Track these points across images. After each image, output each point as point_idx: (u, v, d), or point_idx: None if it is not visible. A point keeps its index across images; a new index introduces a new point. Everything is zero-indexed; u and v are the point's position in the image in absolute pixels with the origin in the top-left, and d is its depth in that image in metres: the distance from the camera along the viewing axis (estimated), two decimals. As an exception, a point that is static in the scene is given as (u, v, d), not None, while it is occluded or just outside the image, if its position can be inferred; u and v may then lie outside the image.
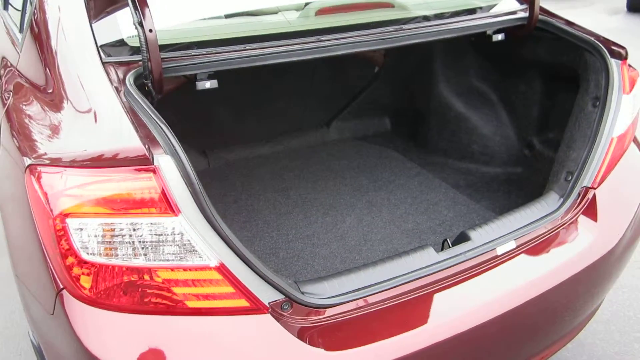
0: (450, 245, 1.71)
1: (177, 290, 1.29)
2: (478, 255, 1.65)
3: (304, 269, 2.01)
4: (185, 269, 1.29)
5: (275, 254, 2.09)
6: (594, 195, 1.89)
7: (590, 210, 1.89)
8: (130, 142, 1.28)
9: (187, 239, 1.26)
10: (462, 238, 1.70)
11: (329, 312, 1.44)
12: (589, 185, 1.88)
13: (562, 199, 1.89)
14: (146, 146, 1.27)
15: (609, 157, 1.93)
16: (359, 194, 2.50)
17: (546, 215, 1.82)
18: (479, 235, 1.70)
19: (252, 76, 2.66)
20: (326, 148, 2.93)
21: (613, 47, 2.01)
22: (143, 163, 1.24)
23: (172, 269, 1.29)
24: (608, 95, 1.93)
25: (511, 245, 1.71)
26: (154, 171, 1.24)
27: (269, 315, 1.37)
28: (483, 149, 2.66)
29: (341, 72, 2.90)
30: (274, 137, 2.94)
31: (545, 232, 1.79)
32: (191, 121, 2.65)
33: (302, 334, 1.39)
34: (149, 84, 1.51)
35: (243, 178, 2.64)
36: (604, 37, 2.07)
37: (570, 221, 1.84)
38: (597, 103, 1.96)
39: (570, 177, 1.93)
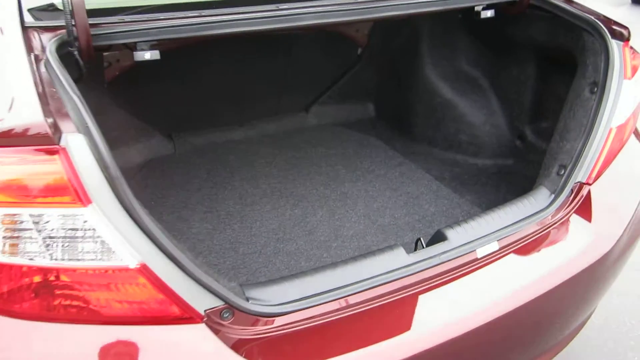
0: (424, 246, 1.51)
1: (92, 295, 1.09)
2: (455, 258, 1.45)
3: (265, 267, 1.80)
4: (100, 271, 1.08)
5: (234, 248, 1.89)
6: (589, 192, 1.69)
7: (584, 209, 1.69)
8: (33, 117, 1.07)
9: (100, 235, 1.05)
10: (438, 237, 1.50)
11: (278, 321, 1.24)
12: (584, 181, 1.68)
13: (553, 196, 1.69)
14: (51, 122, 1.05)
15: (607, 150, 1.72)
16: (334, 185, 2.29)
17: (534, 214, 1.62)
18: (457, 235, 1.50)
19: (222, 54, 2.45)
20: (303, 134, 2.72)
21: (614, 27, 1.80)
22: (45, 142, 1.03)
23: (86, 270, 1.08)
24: (607, 80, 1.73)
25: (493, 246, 1.52)
26: (59, 152, 1.03)
27: (203, 326, 1.16)
28: (471, 138, 2.45)
29: (321, 52, 2.68)
30: (247, 121, 2.72)
31: (533, 233, 1.59)
32: (154, 101, 2.43)
33: (244, 348, 1.19)
34: (76, 53, 1.29)
35: (210, 164, 2.43)
36: (604, 16, 1.86)
37: (562, 220, 1.65)
38: (595, 89, 1.76)
39: (562, 171, 1.73)
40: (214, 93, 2.56)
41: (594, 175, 1.70)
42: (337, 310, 1.30)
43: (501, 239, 1.53)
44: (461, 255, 1.46)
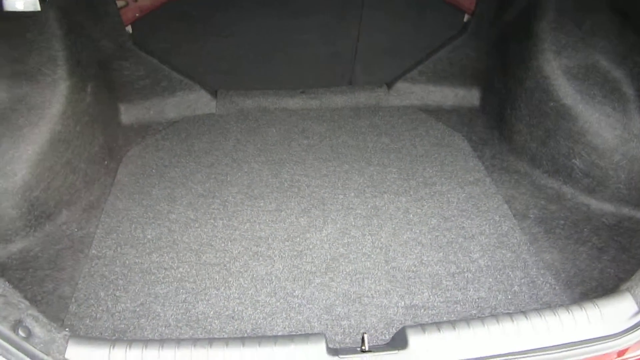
0: (367, 348, 0.97)
1: None
2: None
3: (215, 290, 1.41)
4: None
5: (199, 253, 1.52)
6: None
7: None
8: None
9: None
10: (395, 341, 0.96)
11: None
12: None
13: (638, 316, 0.99)
14: None
15: None
16: (369, 193, 1.75)
17: (591, 340, 0.96)
18: (427, 344, 0.94)
19: (278, 4, 1.99)
20: (375, 115, 2.17)
21: None
22: None
23: None
24: None
25: None
26: None
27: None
28: (590, 167, 1.68)
29: (411, 14, 2.06)
30: (310, 88, 2.25)
31: None
32: (193, 52, 2.11)
33: None
34: None
35: (242, 135, 2.04)
36: None
37: None
38: None
39: None
40: (267, 48, 2.13)
41: None
42: None
43: None
44: None
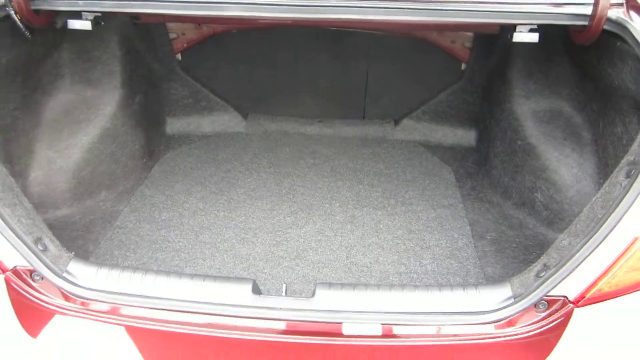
0: (285, 293, 1.26)
1: None
2: (303, 321, 1.18)
3: (202, 260, 1.74)
4: None
5: (198, 233, 1.86)
6: (569, 314, 1.16)
7: (550, 339, 1.17)
8: None
9: None
10: (307, 291, 1.24)
11: (86, 303, 1.21)
12: (570, 298, 1.16)
13: (512, 300, 1.20)
14: None
15: (624, 266, 1.13)
16: (352, 205, 2.04)
17: (467, 313, 1.19)
18: (331, 296, 1.20)
19: (296, 43, 2.38)
20: (378, 146, 2.46)
21: None
22: None
23: None
24: None
25: (373, 329, 1.17)
26: None
27: (2, 277, 1.21)
28: (549, 201, 1.88)
29: (415, 61, 2.38)
30: (328, 119, 2.59)
31: (448, 336, 1.18)
32: (230, 79, 2.52)
33: (27, 313, 1.21)
34: (12, 13, 1.40)
35: (262, 151, 2.40)
36: None
37: (505, 339, 1.17)
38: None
39: (543, 273, 1.21)
40: (292, 81, 2.51)
41: (589, 294, 1.15)
42: (137, 318, 1.20)
43: (392, 324, 1.17)
44: (317, 322, 1.18)
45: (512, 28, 1.44)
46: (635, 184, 1.10)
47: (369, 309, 1.20)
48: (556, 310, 1.17)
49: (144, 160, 2.25)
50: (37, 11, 1.43)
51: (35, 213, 1.35)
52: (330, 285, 1.24)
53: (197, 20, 2.05)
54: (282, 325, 1.18)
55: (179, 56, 2.40)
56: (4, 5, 1.39)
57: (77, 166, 1.93)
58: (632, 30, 1.27)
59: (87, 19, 1.49)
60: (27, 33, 1.46)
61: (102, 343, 1.22)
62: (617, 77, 1.49)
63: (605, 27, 1.32)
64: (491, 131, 2.17)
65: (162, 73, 2.38)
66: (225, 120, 2.59)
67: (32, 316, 1.22)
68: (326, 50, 2.41)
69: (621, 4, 1.30)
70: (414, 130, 2.54)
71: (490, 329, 1.19)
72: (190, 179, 2.19)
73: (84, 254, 1.74)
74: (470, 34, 2.16)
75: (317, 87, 2.56)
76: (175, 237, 1.85)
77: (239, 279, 1.25)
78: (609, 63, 1.50)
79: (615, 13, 1.30)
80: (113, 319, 1.20)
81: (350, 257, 1.77)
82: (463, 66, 2.34)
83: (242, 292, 1.21)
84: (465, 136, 2.48)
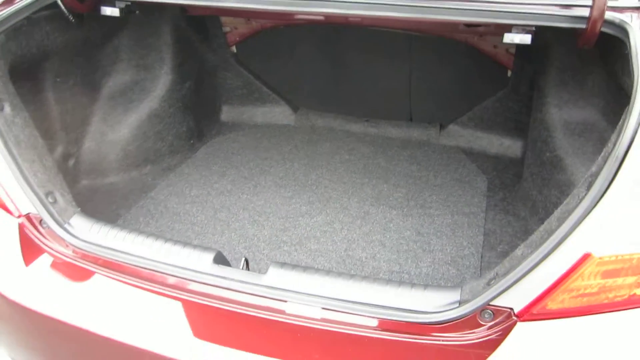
0: (246, 267, 1.34)
1: None
2: (252, 294, 1.25)
3: (212, 235, 1.87)
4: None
5: (218, 211, 2.00)
6: (510, 327, 1.12)
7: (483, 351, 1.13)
8: None
9: None
10: (262, 268, 1.32)
11: (82, 256, 1.39)
12: (516, 311, 1.12)
13: (456, 305, 1.18)
14: None
15: (574, 282, 1.07)
16: (369, 202, 2.05)
17: (403, 310, 1.19)
18: (281, 276, 1.27)
19: (345, 43, 2.44)
20: (420, 149, 2.43)
21: None
22: None
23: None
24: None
25: (313, 312, 1.22)
26: None
27: (16, 221, 1.43)
28: None
29: (461, 66, 2.33)
30: (374, 118, 2.62)
31: (386, 331, 1.20)
32: (281, 73, 2.64)
33: (35, 254, 1.42)
34: (58, 1, 1.63)
35: (303, 144, 2.48)
36: None
37: (441, 344, 1.16)
38: None
39: (493, 281, 1.17)
40: (340, 79, 2.57)
41: (535, 309, 1.10)
42: (116, 270, 1.35)
43: (332, 310, 1.21)
44: (269, 298, 1.25)
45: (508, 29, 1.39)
46: (589, 194, 1.03)
47: (314, 292, 1.24)
48: (501, 322, 1.12)
49: (191, 141, 2.45)
50: (81, 0, 1.66)
51: (55, 171, 1.56)
52: (282, 265, 1.29)
53: (208, 12, 2.18)
54: (232, 295, 1.26)
55: (233, 48, 2.57)
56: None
57: (125, 141, 2.17)
58: (630, 33, 1.17)
59: (117, 7, 1.70)
60: (70, 17, 1.70)
61: (85, 285, 1.39)
62: (629, 89, 1.37)
63: (606, 30, 1.23)
64: (526, 142, 2.06)
65: (216, 63, 2.57)
66: (276, 113, 2.71)
67: (35, 254, 1.42)
68: (371, 51, 2.44)
69: (622, 8, 1.20)
70: (459, 136, 2.48)
71: (426, 331, 1.17)
72: (227, 163, 2.34)
73: (114, 217, 1.96)
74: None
75: (364, 87, 2.59)
76: (196, 212, 2.00)
77: (206, 249, 1.35)
78: (624, 72, 1.38)
79: (616, 15, 1.21)
80: (94, 267, 1.36)
81: (348, 250, 1.80)
82: (509, 73, 2.24)
83: (203, 260, 1.31)
84: (512, 146, 2.37)
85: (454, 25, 1.76)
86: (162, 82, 2.24)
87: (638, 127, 1.01)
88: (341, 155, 2.40)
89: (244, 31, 2.45)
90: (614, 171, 1.01)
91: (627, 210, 1.02)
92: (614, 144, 1.05)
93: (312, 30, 2.43)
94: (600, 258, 1.02)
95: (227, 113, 2.73)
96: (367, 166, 2.32)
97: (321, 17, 1.96)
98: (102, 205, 2.00)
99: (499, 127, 2.37)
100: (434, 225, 1.93)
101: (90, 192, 2.06)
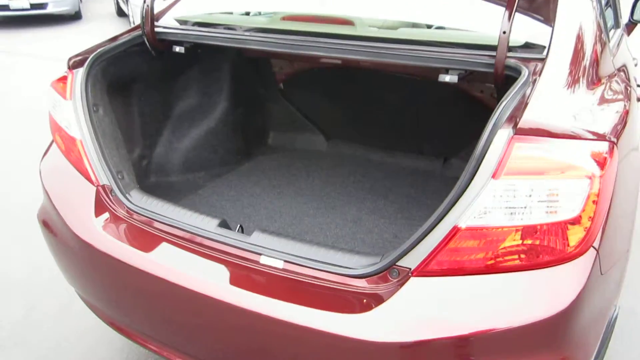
0: (242, 231, 1.85)
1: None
2: (241, 249, 1.74)
3: (236, 213, 2.43)
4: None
5: (239, 197, 2.56)
6: (406, 279, 1.54)
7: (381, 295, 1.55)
8: None
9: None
10: (248, 231, 1.83)
11: (134, 216, 1.97)
12: (412, 268, 1.54)
13: (374, 265, 1.61)
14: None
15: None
16: (363, 212, 2.51)
17: (336, 265, 1.64)
18: (260, 238, 1.76)
19: (361, 82, 2.95)
20: (426, 179, 2.86)
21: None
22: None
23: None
24: None
25: (277, 263, 1.71)
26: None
27: (94, 189, 2.06)
28: None
29: (459, 107, 2.75)
30: (391, 149, 3.09)
31: (313, 278, 1.64)
32: (317, 107, 3.20)
33: (107, 219, 2.01)
34: (145, 39, 2.32)
35: (327, 167, 3.01)
36: None
37: (356, 291, 1.59)
38: None
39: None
40: (364, 115, 3.08)
41: (424, 267, 1.52)
42: (159, 230, 1.91)
43: (291, 262, 1.70)
44: (249, 251, 1.75)
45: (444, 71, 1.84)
46: (456, 187, 1.45)
47: (281, 249, 1.72)
48: (402, 278, 1.54)
49: (239, 157, 3.06)
50: (161, 40, 2.34)
51: (126, 157, 2.18)
52: (263, 231, 1.79)
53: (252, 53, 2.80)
54: (227, 249, 1.77)
55: (281, 85, 3.19)
56: (142, 34, 2.33)
57: (187, 150, 2.81)
58: (522, 73, 1.59)
59: (184, 46, 2.36)
60: (153, 52, 2.38)
61: (134, 235, 1.96)
62: None
63: (507, 72, 1.66)
64: None
65: (266, 96, 3.20)
66: (313, 141, 3.28)
67: (102, 211, 2.03)
68: (391, 90, 2.93)
69: (518, 57, 1.65)
70: (459, 168, 2.88)
71: (351, 281, 1.60)
72: (262, 175, 2.92)
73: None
74: (492, 84, 2.49)
75: (384, 122, 3.08)
76: (229, 207, 2.58)
77: (215, 217, 1.89)
78: None
79: (512, 62, 1.65)
80: (141, 225, 1.94)
81: (335, 243, 2.27)
82: None
83: (210, 223, 1.84)
84: None
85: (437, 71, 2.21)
86: (219, 107, 2.89)
87: (492, 135, 1.43)
88: (355, 177, 2.90)
89: (288, 71, 3.06)
90: (473, 171, 1.43)
91: (481, 197, 1.43)
92: (475, 150, 1.46)
93: (342, 73, 2.99)
94: (465, 229, 1.44)
95: (273, 138, 3.33)
96: (374, 186, 2.79)
97: (338, 61, 2.51)
98: (160, 196, 2.63)
99: None
100: (412, 231, 2.34)
101: (155, 187, 2.71)
